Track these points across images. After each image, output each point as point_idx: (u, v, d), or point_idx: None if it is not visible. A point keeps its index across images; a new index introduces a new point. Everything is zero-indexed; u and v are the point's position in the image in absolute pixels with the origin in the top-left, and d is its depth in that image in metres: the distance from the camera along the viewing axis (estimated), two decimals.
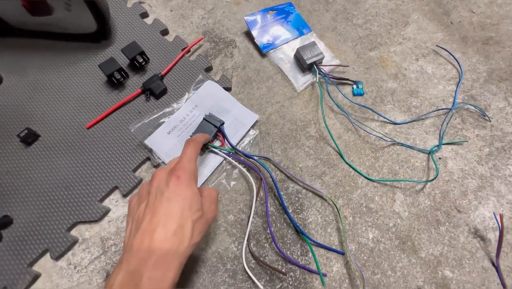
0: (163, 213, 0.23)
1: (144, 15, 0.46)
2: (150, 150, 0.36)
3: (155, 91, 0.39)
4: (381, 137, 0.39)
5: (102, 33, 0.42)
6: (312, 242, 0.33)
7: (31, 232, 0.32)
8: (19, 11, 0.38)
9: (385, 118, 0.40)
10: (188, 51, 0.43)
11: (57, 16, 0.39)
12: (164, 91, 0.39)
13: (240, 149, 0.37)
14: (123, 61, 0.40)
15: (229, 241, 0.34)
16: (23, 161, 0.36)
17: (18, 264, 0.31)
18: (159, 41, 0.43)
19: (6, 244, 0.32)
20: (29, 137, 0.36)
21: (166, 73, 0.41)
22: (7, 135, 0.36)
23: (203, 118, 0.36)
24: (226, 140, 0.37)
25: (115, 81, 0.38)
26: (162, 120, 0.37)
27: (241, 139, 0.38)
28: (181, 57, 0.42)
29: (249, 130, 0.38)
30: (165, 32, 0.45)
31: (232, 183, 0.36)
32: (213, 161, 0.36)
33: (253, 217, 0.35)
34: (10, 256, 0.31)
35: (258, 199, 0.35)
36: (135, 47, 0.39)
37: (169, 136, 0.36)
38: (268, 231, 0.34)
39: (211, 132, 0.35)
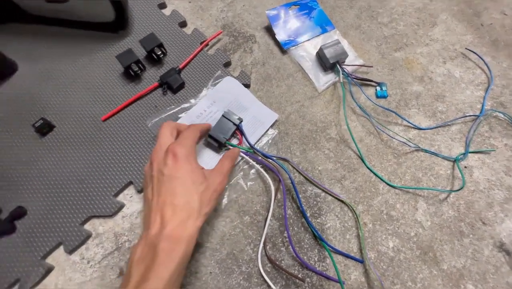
0: (167, 192, 0.25)
1: (162, 5, 0.45)
2: None
3: (172, 85, 0.37)
4: (404, 143, 0.37)
5: (120, 23, 0.40)
6: (330, 249, 0.32)
7: (44, 224, 0.32)
8: None
9: (409, 122, 0.38)
10: (207, 45, 0.42)
11: (74, 3, 0.37)
12: (181, 86, 0.38)
13: (258, 148, 0.36)
14: (140, 53, 0.39)
15: (244, 242, 0.33)
16: (37, 152, 0.35)
17: (31, 256, 0.31)
18: (177, 33, 0.42)
19: (20, 235, 0.31)
20: (44, 128, 0.35)
21: (183, 67, 0.39)
22: (22, 124, 0.36)
23: (222, 115, 0.35)
24: (244, 139, 0.35)
25: (132, 73, 0.37)
26: (180, 116, 0.36)
27: (259, 138, 0.37)
28: (200, 51, 0.41)
29: (267, 129, 0.37)
30: (183, 24, 0.43)
31: (249, 183, 0.35)
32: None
33: (270, 220, 0.34)
34: (23, 248, 0.31)
35: (275, 201, 0.35)
36: (154, 39, 0.38)
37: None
38: (285, 235, 0.33)
39: (230, 130, 0.34)
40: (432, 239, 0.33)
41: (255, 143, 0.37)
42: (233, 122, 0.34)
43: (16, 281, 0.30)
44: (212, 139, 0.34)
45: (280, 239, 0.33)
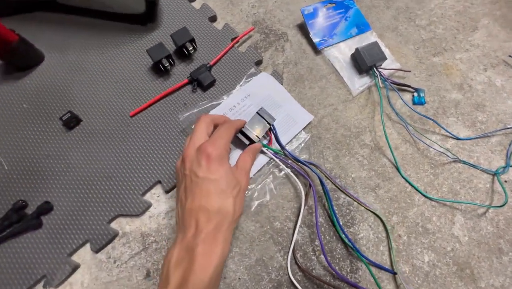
0: (202, 195, 0.24)
1: None
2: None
3: (203, 82, 0.36)
4: (443, 153, 0.36)
5: (149, 15, 0.39)
6: (368, 261, 0.31)
7: (71, 220, 0.31)
8: None
9: (447, 132, 0.37)
10: (237, 41, 0.40)
11: None
12: (212, 83, 0.37)
13: (289, 150, 0.34)
14: (170, 47, 0.38)
15: (274, 249, 0.32)
16: (64, 146, 0.34)
17: (58, 253, 0.30)
18: (207, 28, 0.40)
19: (47, 231, 0.31)
20: (71, 121, 0.34)
21: (214, 64, 0.38)
22: (50, 117, 0.35)
23: (257, 112, 0.33)
24: (275, 140, 0.34)
25: (162, 68, 0.36)
26: (212, 111, 0.35)
27: (291, 140, 0.36)
28: (231, 48, 0.39)
29: (300, 131, 0.36)
30: (213, 18, 0.42)
31: (279, 187, 0.34)
32: (259, 159, 0.34)
33: (300, 227, 0.33)
34: (50, 244, 0.30)
35: (306, 207, 0.33)
36: (185, 34, 0.36)
37: None
38: (316, 243, 0.32)
39: (263, 128, 0.33)
40: (470, 255, 0.32)
41: (287, 144, 0.35)
42: (267, 121, 0.33)
43: (42, 277, 0.29)
44: (243, 135, 0.33)
45: (311, 248, 0.32)
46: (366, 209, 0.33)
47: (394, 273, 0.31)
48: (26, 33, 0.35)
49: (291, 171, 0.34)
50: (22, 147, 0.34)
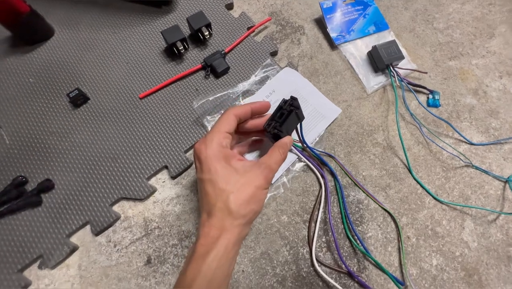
0: (202, 194, 0.24)
1: None
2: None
3: (217, 69, 0.35)
4: (456, 157, 0.35)
5: None
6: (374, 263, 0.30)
7: (72, 200, 0.30)
8: None
9: (461, 136, 0.36)
10: (253, 31, 0.39)
11: None
12: (225, 71, 0.36)
13: (309, 144, 0.33)
14: (185, 31, 0.37)
15: (280, 243, 0.31)
16: (70, 123, 0.33)
17: (56, 233, 0.29)
18: (223, 15, 0.40)
19: (46, 210, 0.30)
20: (79, 99, 0.33)
21: (229, 51, 0.37)
22: (56, 93, 0.34)
23: (293, 112, 0.27)
24: (297, 134, 0.32)
25: (175, 51, 0.35)
26: (228, 101, 0.34)
27: (319, 134, 0.35)
28: (247, 36, 0.38)
29: (330, 124, 0.35)
30: (230, 6, 0.41)
31: (291, 181, 0.33)
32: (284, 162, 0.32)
33: (307, 222, 0.32)
34: (49, 223, 0.29)
35: (315, 203, 0.33)
36: (202, 18, 0.35)
37: None
38: (323, 239, 0.31)
39: (293, 125, 0.29)
40: (478, 261, 0.31)
41: (315, 138, 0.35)
42: (298, 117, 0.29)
43: (38, 257, 0.28)
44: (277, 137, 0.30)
45: (318, 244, 0.31)
46: (382, 208, 0.33)
47: (402, 284, 0.30)
48: (38, 6, 0.34)
49: (306, 165, 0.33)
50: (26, 122, 0.33)
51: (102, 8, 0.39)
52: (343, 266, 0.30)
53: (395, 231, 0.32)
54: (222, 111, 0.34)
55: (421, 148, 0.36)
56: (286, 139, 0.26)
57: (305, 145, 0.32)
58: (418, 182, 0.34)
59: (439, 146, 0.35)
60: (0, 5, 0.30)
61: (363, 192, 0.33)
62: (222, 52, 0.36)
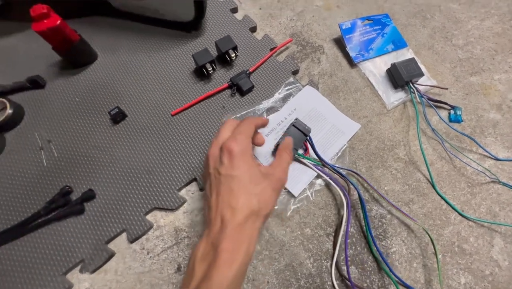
0: (225, 192, 0.24)
1: (234, 10, 0.46)
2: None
3: (242, 87, 0.38)
4: (482, 172, 0.35)
5: (196, 23, 0.42)
6: (397, 280, 0.30)
7: (111, 210, 0.33)
8: None
9: (486, 151, 0.36)
10: (276, 51, 0.42)
11: (160, 2, 0.39)
12: (250, 89, 0.39)
13: (327, 160, 0.35)
14: (212, 53, 0.40)
15: (304, 256, 0.32)
16: (110, 138, 0.36)
17: (97, 240, 0.31)
18: (248, 37, 0.43)
19: (88, 218, 0.32)
20: (118, 116, 0.36)
21: (253, 71, 0.40)
22: (99, 110, 0.37)
23: (292, 124, 0.34)
24: (312, 150, 0.34)
25: (205, 72, 0.38)
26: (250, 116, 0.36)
27: (341, 149, 0.36)
28: (270, 57, 0.41)
29: (350, 139, 0.37)
30: (253, 29, 0.44)
31: (314, 194, 0.34)
32: (305, 176, 0.34)
33: (330, 235, 0.33)
34: (90, 230, 0.32)
35: (339, 216, 0.33)
36: (229, 41, 0.38)
37: (267, 139, 0.35)
38: (348, 253, 0.32)
39: (300, 140, 0.34)
40: (510, 281, 0.31)
41: (336, 154, 0.36)
42: (303, 133, 0.34)
43: (80, 261, 0.31)
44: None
45: (342, 257, 0.32)
46: (404, 222, 0.33)
47: None
48: (84, 34, 0.39)
49: (327, 179, 0.34)
50: (72, 137, 0.36)
51: (139, 33, 0.43)
52: (361, 284, 0.30)
53: (419, 247, 0.32)
54: None
55: (444, 163, 0.36)
56: (285, 141, 0.30)
57: (322, 161, 0.34)
58: (442, 197, 0.34)
59: (463, 162, 0.35)
60: (56, 36, 0.35)
61: (385, 207, 0.33)
62: (247, 72, 0.39)
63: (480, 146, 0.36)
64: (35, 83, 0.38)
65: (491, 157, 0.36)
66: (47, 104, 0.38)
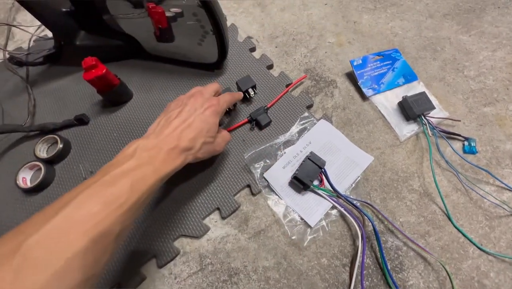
0: (188, 123, 0.30)
1: (253, 49, 0.50)
2: (266, 183, 0.38)
3: (261, 122, 0.41)
4: (499, 205, 0.35)
5: (218, 64, 0.47)
6: None
7: (142, 236, 0.36)
8: (152, 38, 0.45)
9: (504, 184, 0.36)
10: (292, 87, 0.45)
11: (186, 47, 0.45)
12: (268, 124, 0.42)
13: (341, 191, 0.36)
14: (234, 91, 0.44)
15: (321, 286, 0.33)
16: None
17: (130, 265, 0.35)
18: (265, 75, 0.47)
19: (123, 245, 0.36)
20: None
21: (271, 106, 0.43)
22: None
23: (307, 158, 0.37)
24: (327, 182, 0.37)
25: (227, 108, 0.42)
26: (278, 153, 0.40)
27: (355, 181, 0.38)
28: (286, 93, 0.44)
29: (364, 171, 0.38)
30: (270, 67, 0.48)
31: (330, 225, 0.36)
32: (321, 207, 0.36)
33: (347, 265, 0.34)
34: (124, 256, 0.35)
35: (355, 247, 0.35)
36: (249, 81, 0.43)
37: (284, 171, 0.38)
38: (365, 285, 0.33)
39: (315, 172, 0.36)
40: None
41: (351, 185, 0.38)
42: (318, 165, 0.36)
43: (115, 285, 0.34)
44: (297, 180, 0.36)
45: (358, 288, 0.33)
46: (421, 255, 0.33)
47: None
48: (122, 75, 0.45)
49: (342, 210, 0.36)
50: None
51: (169, 74, 0.48)
52: None
53: (437, 281, 0.32)
54: (267, 160, 0.39)
55: (460, 195, 0.37)
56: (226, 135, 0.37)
57: (337, 192, 0.36)
58: (459, 230, 0.34)
59: (479, 194, 0.36)
60: (101, 82, 0.40)
61: (400, 240, 0.34)
62: (265, 107, 0.43)
63: (497, 178, 0.36)
64: (81, 121, 0.44)
65: (509, 189, 0.36)
66: (90, 139, 0.43)
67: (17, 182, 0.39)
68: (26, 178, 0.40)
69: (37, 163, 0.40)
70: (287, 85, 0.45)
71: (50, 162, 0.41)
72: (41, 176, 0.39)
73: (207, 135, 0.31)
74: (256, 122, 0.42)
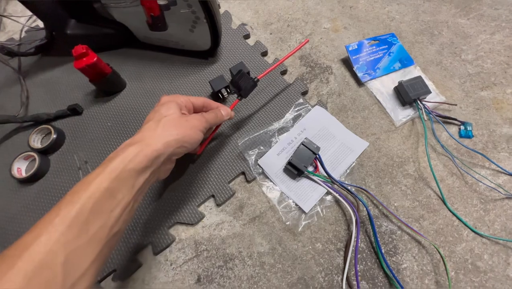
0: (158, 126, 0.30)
1: (247, 36, 0.49)
2: (261, 170, 0.38)
3: (241, 86, 0.36)
4: (494, 189, 0.35)
5: (212, 51, 0.46)
6: None
7: (140, 224, 0.36)
8: (144, 27, 0.44)
9: (499, 167, 0.36)
10: (281, 62, 0.42)
11: (178, 35, 0.44)
12: (254, 86, 0.37)
13: (336, 177, 0.36)
14: (227, 78, 0.44)
15: (316, 270, 0.33)
16: None
17: (127, 252, 0.35)
18: (259, 61, 0.46)
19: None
20: None
21: (261, 78, 0.39)
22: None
23: (302, 144, 0.36)
24: (321, 168, 0.37)
25: (220, 96, 0.42)
26: (271, 139, 0.40)
27: (350, 166, 0.38)
28: (276, 67, 0.40)
29: (359, 157, 0.38)
30: (265, 53, 0.47)
31: (325, 210, 0.36)
32: (315, 193, 0.36)
33: (341, 250, 0.34)
34: (122, 243, 0.35)
35: (349, 232, 0.35)
36: (242, 68, 0.42)
37: (278, 157, 0.38)
38: (358, 268, 0.33)
39: (309, 158, 0.36)
40: None
41: (346, 170, 0.38)
42: (312, 151, 0.36)
43: (113, 271, 0.34)
44: (292, 166, 0.36)
45: (352, 272, 0.33)
46: (415, 238, 0.33)
47: None
48: (115, 64, 0.44)
49: (337, 196, 0.36)
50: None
51: (162, 62, 0.47)
52: None
53: (431, 263, 0.32)
54: (261, 147, 0.39)
55: (455, 179, 0.36)
56: (220, 117, 0.35)
57: (331, 178, 0.36)
58: (454, 214, 0.34)
59: (475, 178, 0.36)
60: (92, 70, 0.40)
61: (395, 224, 0.34)
62: (255, 78, 0.38)
63: (492, 162, 0.36)
64: (74, 111, 0.44)
65: (505, 172, 0.36)
66: (84, 129, 0.43)
67: (12, 172, 0.39)
68: (21, 168, 0.40)
69: (32, 153, 0.40)
70: (282, 73, 0.45)
71: (44, 152, 0.41)
72: (35, 166, 0.39)
73: (168, 133, 0.30)
74: (238, 89, 0.37)
